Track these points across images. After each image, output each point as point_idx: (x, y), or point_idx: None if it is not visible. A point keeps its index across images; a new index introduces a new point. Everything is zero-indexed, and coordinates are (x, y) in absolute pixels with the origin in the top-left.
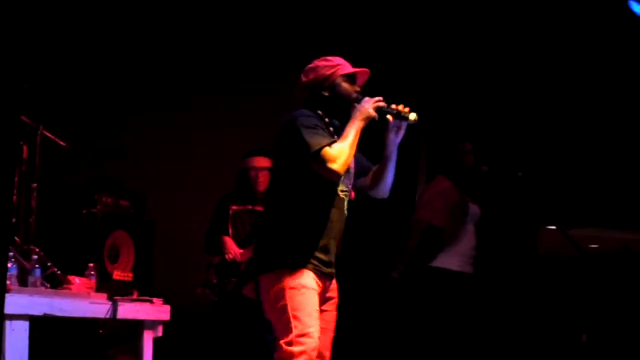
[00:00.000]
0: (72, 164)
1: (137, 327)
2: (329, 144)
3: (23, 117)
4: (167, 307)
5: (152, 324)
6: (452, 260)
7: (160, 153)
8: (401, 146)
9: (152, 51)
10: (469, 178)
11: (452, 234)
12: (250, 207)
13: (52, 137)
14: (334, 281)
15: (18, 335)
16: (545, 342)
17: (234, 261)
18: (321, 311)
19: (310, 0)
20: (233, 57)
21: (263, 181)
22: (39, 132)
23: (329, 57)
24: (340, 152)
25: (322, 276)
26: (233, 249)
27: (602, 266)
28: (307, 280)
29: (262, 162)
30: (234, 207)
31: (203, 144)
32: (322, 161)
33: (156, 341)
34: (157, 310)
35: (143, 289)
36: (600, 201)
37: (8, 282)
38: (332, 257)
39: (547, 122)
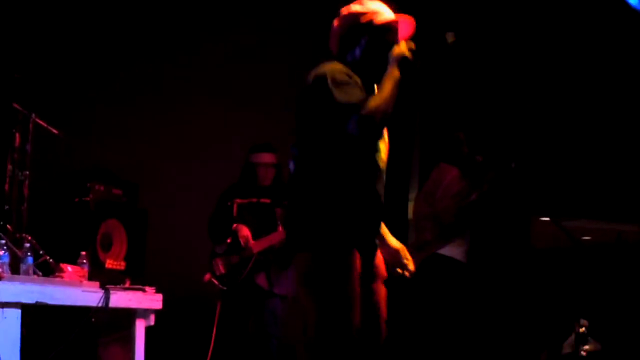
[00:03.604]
0: (65, 152)
1: (129, 315)
2: (365, 99)
3: (15, 105)
4: (160, 296)
5: (144, 313)
6: (457, 250)
7: (153, 142)
8: (395, 136)
9: (146, 39)
10: (467, 167)
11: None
12: (255, 200)
13: (45, 125)
14: (379, 255)
15: (10, 322)
16: (539, 334)
17: (242, 251)
18: (371, 290)
19: None
20: (231, 47)
21: (269, 177)
22: (31, 120)
23: (364, 1)
24: (378, 107)
25: (368, 254)
26: (247, 233)
27: (596, 257)
28: (351, 262)
29: (269, 158)
30: (238, 201)
31: (197, 133)
32: (361, 119)
33: (148, 330)
34: (149, 299)
35: (135, 277)
36: (593, 192)
37: (0, 269)
38: (377, 226)
39: (540, 112)
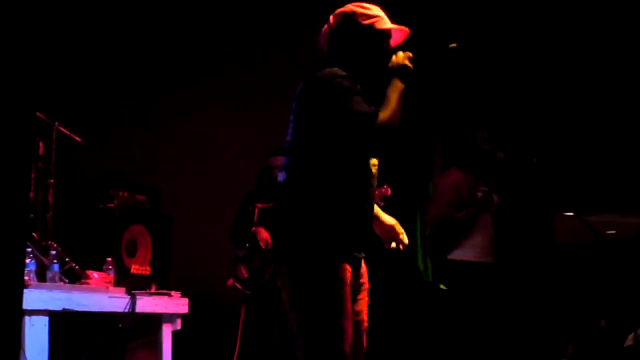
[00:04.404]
0: (88, 160)
1: (155, 320)
2: (378, 109)
3: (39, 114)
4: (186, 300)
5: (170, 317)
6: (466, 252)
7: (175, 148)
8: (416, 139)
9: (166, 46)
10: (487, 166)
11: (465, 228)
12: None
13: (68, 132)
14: (363, 265)
15: (37, 330)
16: (563, 328)
17: (263, 253)
18: (356, 300)
19: None
20: (249, 54)
21: None
22: (54, 128)
23: (365, 4)
24: (390, 120)
25: (356, 265)
26: (266, 235)
27: (620, 252)
28: (343, 274)
29: None
30: (260, 205)
31: (218, 139)
32: (376, 131)
33: (175, 334)
34: (175, 304)
35: (161, 282)
36: (617, 187)
37: (27, 277)
38: (365, 235)
39: (562, 108)
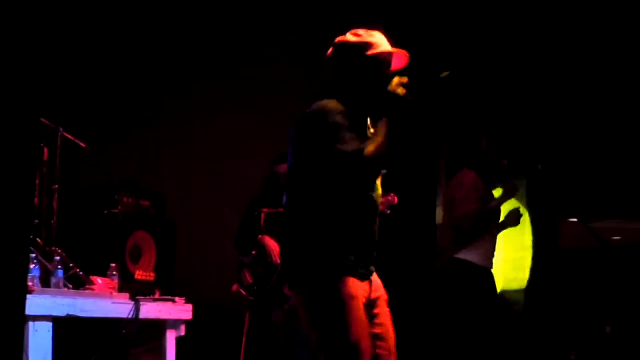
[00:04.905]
0: (93, 165)
1: (160, 326)
2: (362, 145)
3: (43, 120)
4: (190, 306)
5: (174, 324)
6: (474, 254)
7: (179, 153)
8: (421, 144)
9: (171, 52)
10: (492, 173)
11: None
12: (282, 210)
13: (73, 138)
14: (377, 279)
15: (41, 336)
16: (568, 335)
17: (269, 261)
18: (375, 315)
19: None
20: (255, 59)
21: None
22: (59, 134)
23: (362, 31)
24: (374, 153)
25: (364, 278)
26: (275, 247)
27: (625, 258)
28: (352, 289)
29: None
30: (266, 210)
31: (223, 144)
32: (360, 168)
33: (179, 340)
34: (179, 310)
35: (165, 288)
36: (622, 193)
37: (31, 283)
38: (370, 255)
39: (565, 114)
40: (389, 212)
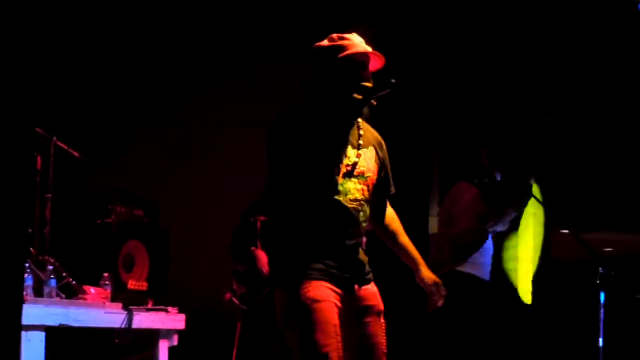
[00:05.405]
0: (86, 174)
1: (152, 336)
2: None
3: (37, 129)
4: (182, 316)
5: (167, 333)
6: (475, 267)
7: (172, 162)
8: (414, 152)
9: (166, 61)
10: (489, 184)
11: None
12: None
13: (66, 147)
14: (370, 288)
15: (34, 345)
16: (561, 347)
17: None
18: (363, 323)
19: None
20: (250, 67)
21: None
22: (52, 142)
23: (337, 35)
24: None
25: (341, 283)
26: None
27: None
28: (319, 292)
29: None
30: (262, 218)
31: (216, 152)
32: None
33: (172, 350)
34: (172, 319)
35: (158, 298)
36: (614, 204)
37: (24, 292)
38: (347, 261)
39: (559, 126)
40: None
